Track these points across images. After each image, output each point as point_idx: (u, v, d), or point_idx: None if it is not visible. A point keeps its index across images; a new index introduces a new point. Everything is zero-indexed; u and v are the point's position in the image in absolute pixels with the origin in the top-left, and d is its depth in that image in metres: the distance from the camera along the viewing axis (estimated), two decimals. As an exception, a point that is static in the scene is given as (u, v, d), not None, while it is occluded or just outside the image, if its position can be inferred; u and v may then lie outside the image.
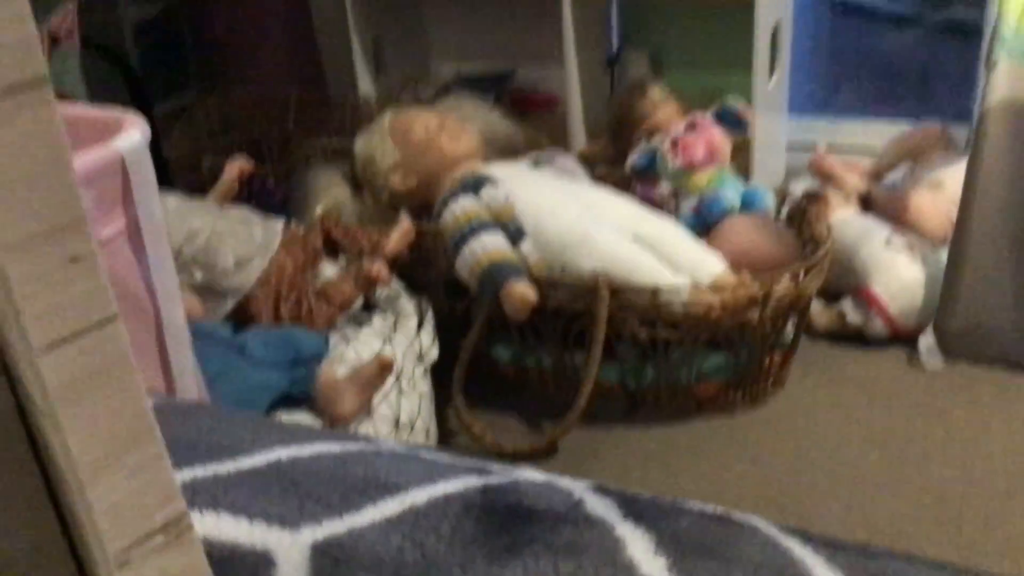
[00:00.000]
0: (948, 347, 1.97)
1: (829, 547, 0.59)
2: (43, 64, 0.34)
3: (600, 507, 0.60)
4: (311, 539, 0.58)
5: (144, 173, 1.20)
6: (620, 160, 2.33)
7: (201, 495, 0.61)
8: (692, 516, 0.60)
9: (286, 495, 0.61)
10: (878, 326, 2.03)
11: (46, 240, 0.34)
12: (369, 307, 1.87)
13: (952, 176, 2.18)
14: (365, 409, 1.62)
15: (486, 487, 0.62)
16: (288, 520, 0.59)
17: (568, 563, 0.55)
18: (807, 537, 0.61)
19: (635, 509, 0.61)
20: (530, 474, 0.67)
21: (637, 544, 0.57)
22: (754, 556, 0.57)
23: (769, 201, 2.05)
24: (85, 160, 1.13)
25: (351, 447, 0.68)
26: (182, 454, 0.64)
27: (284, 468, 0.64)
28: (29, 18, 0.35)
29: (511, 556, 0.56)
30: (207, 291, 1.75)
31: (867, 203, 2.28)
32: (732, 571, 0.55)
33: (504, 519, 0.59)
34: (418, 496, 0.61)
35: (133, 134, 1.19)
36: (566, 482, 0.65)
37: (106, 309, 0.37)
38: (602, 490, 0.64)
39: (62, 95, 2.35)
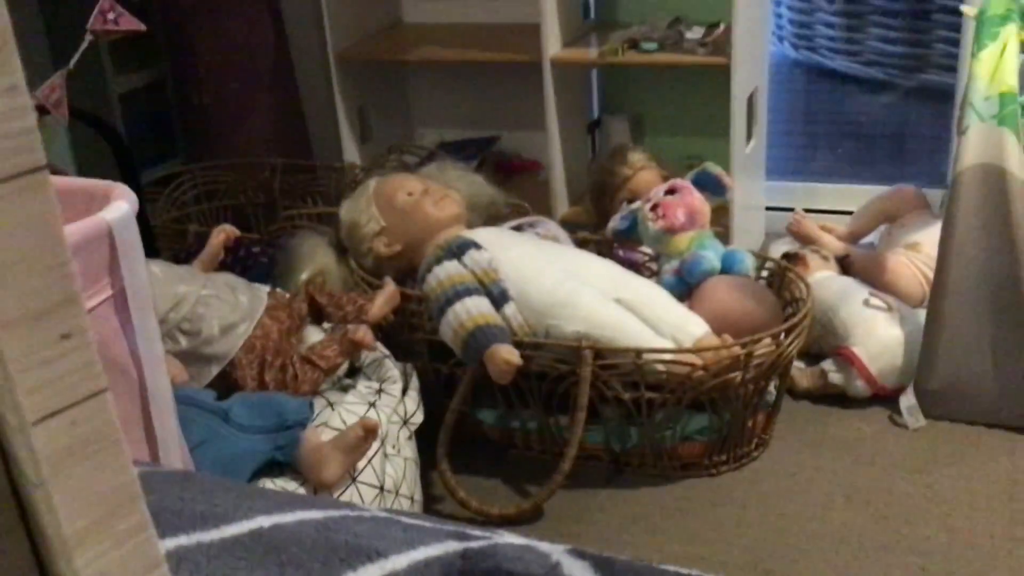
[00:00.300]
0: (929, 406, 1.99)
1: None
2: (42, 153, 0.36)
3: (577, 570, 0.61)
4: (293, 607, 0.58)
5: (131, 242, 1.21)
6: (602, 224, 2.36)
7: (185, 563, 0.61)
8: (668, 579, 0.61)
9: (268, 563, 0.61)
10: (859, 386, 2.05)
11: (40, 318, 0.36)
12: (354, 372, 1.88)
13: (928, 238, 2.22)
14: (349, 474, 1.61)
15: (466, 552, 0.63)
16: (270, 589, 0.59)
17: (546, 626, 0.56)
18: None
19: (612, 572, 0.61)
20: (509, 538, 0.67)
21: (614, 607, 0.58)
22: (729, 619, 0.58)
23: (749, 263, 2.08)
24: (73, 231, 1.14)
25: (333, 514, 0.68)
26: (167, 522, 0.65)
27: (267, 535, 0.64)
28: (30, 110, 0.37)
29: (490, 620, 0.57)
30: (192, 357, 1.75)
31: (845, 265, 2.31)
32: (707, 635, 0.56)
33: (483, 584, 0.59)
34: (398, 562, 0.61)
35: (121, 205, 1.21)
36: (544, 546, 0.65)
37: (96, 382, 0.38)
38: (579, 553, 0.64)
39: (50, 165, 2.38)
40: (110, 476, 0.39)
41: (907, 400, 2.01)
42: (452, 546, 0.63)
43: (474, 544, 0.64)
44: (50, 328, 0.36)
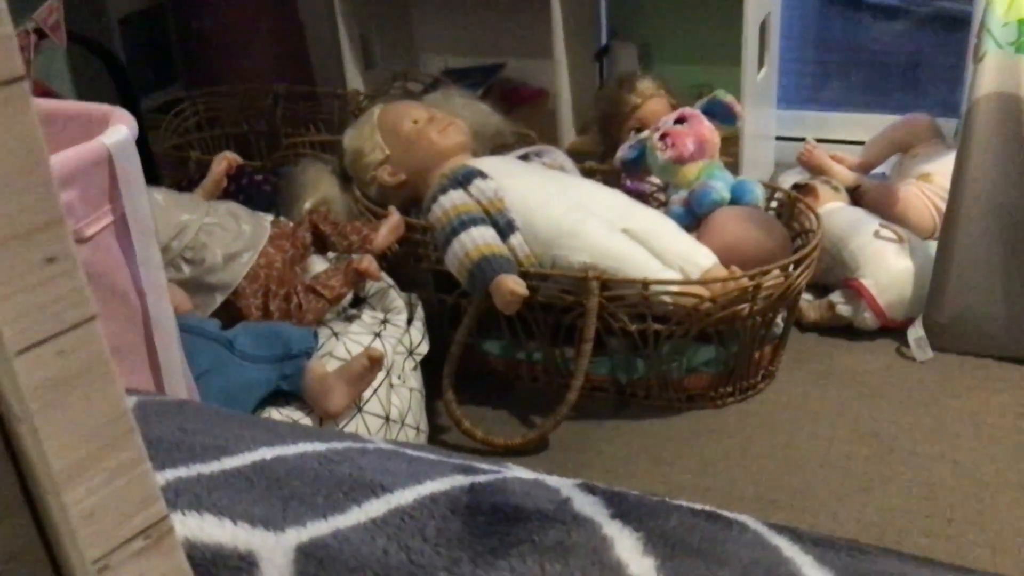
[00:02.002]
0: (937, 339, 1.98)
1: (819, 545, 0.59)
2: (20, 62, 0.34)
3: (587, 505, 0.60)
4: (295, 541, 0.57)
5: (131, 167, 1.19)
6: (609, 153, 2.33)
7: (184, 496, 0.60)
8: (680, 514, 0.60)
9: (270, 496, 0.60)
10: (868, 318, 2.03)
11: (22, 240, 0.34)
12: (359, 302, 1.87)
13: (940, 169, 2.19)
14: (355, 404, 1.61)
15: (473, 486, 0.62)
16: (272, 522, 0.58)
17: (555, 564, 0.54)
18: (797, 535, 0.60)
19: (623, 508, 0.60)
20: (517, 472, 0.66)
21: (625, 543, 0.57)
22: (743, 555, 0.56)
23: (759, 193, 2.05)
24: (71, 155, 1.12)
25: (337, 446, 0.67)
26: (166, 454, 0.64)
27: (269, 468, 0.63)
28: (6, 17, 0.34)
29: (497, 557, 0.55)
30: (195, 287, 1.74)
31: (856, 196, 2.28)
32: (721, 571, 0.55)
33: (490, 519, 0.58)
34: (404, 496, 0.60)
35: (120, 129, 1.18)
36: (553, 480, 0.64)
37: (84, 310, 0.37)
38: (589, 488, 0.63)
39: (48, 91, 2.34)
40: (101, 408, 0.37)
41: (915, 332, 1.99)
42: (459, 480, 0.62)
43: (481, 478, 0.63)
44: (33, 251, 0.34)
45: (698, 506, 0.63)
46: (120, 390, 0.38)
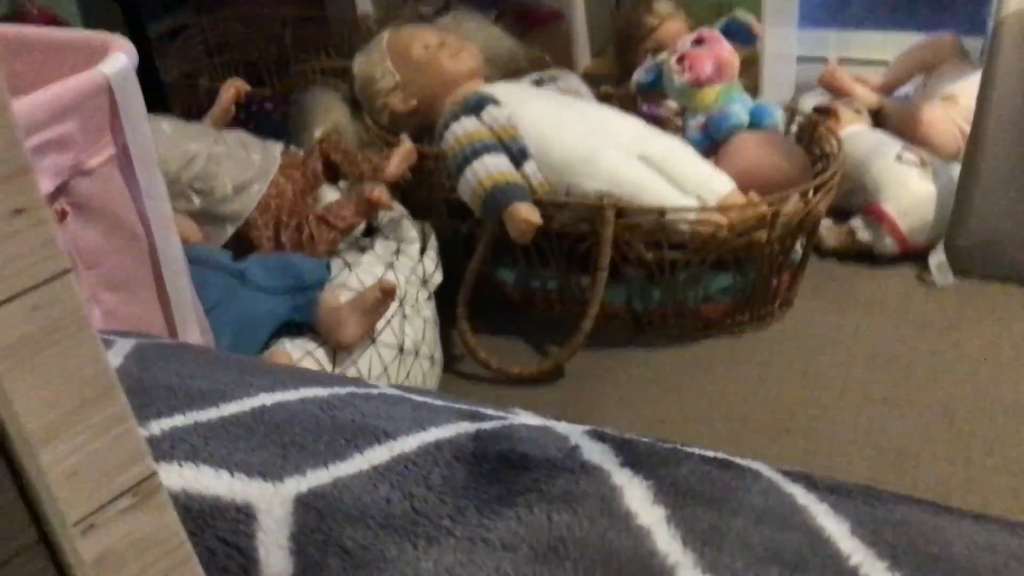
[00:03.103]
0: (959, 264, 1.94)
1: (834, 492, 0.57)
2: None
3: (596, 454, 0.58)
4: (295, 491, 0.56)
5: (132, 97, 1.17)
6: (625, 77, 2.28)
7: (181, 446, 0.59)
8: (692, 462, 0.58)
9: (269, 444, 0.59)
10: (888, 244, 2.00)
11: (-14, 191, 0.32)
12: (371, 232, 1.85)
13: (965, 89, 2.13)
14: (368, 335, 1.60)
15: (479, 433, 0.60)
16: (271, 471, 0.57)
17: (563, 514, 0.53)
18: (811, 482, 0.59)
19: (633, 455, 0.59)
20: (525, 418, 0.64)
21: (635, 493, 0.55)
22: (756, 504, 0.55)
23: (778, 117, 2.01)
24: (69, 85, 1.10)
25: (339, 391, 0.66)
26: (163, 402, 0.62)
27: (268, 414, 0.61)
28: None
29: (503, 506, 0.54)
30: (205, 217, 1.73)
31: (879, 118, 2.23)
32: (733, 521, 0.53)
33: (497, 467, 0.57)
34: (407, 444, 0.59)
35: (119, 57, 1.15)
36: (562, 426, 0.63)
37: (56, 263, 0.35)
38: (599, 435, 0.62)
39: (54, 18, 2.30)
40: (79, 365, 0.36)
41: (936, 257, 1.96)
42: (464, 427, 0.61)
43: (487, 425, 0.61)
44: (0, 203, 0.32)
45: (710, 453, 0.61)
46: (98, 345, 0.37)
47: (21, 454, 0.35)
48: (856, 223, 2.04)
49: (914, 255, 2.01)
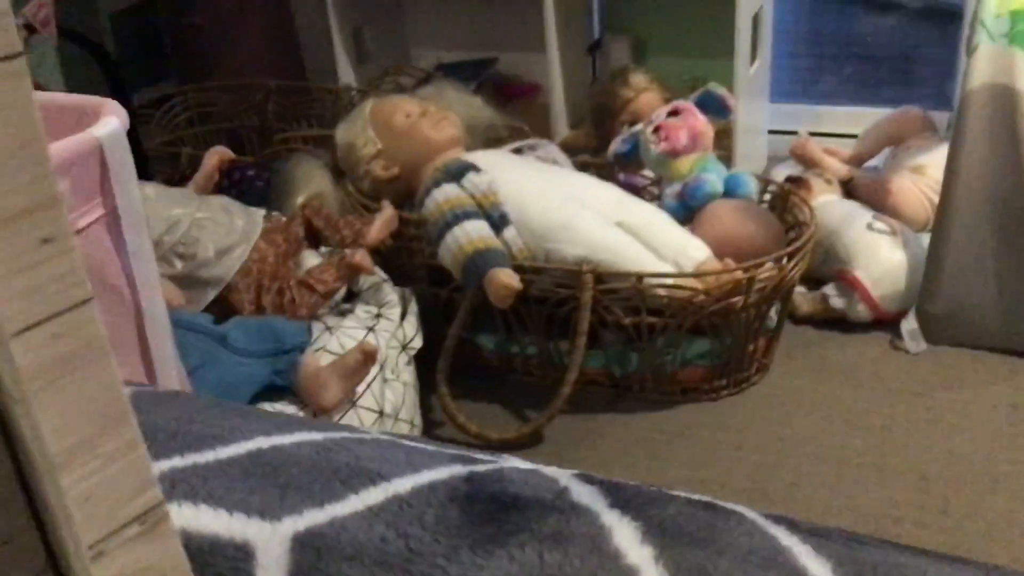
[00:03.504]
0: (930, 331, 1.98)
1: (815, 535, 0.58)
2: (17, 39, 0.33)
3: (585, 495, 0.59)
4: (292, 530, 0.56)
5: (122, 160, 1.18)
6: (603, 147, 2.32)
7: (180, 486, 0.60)
8: (678, 504, 0.59)
9: (267, 485, 0.60)
10: (861, 310, 2.03)
11: (17, 220, 0.33)
12: (352, 297, 1.86)
13: (933, 161, 2.19)
14: (349, 398, 1.60)
15: (471, 475, 0.61)
16: (268, 511, 0.57)
17: (554, 553, 0.54)
18: (793, 525, 0.60)
19: (621, 497, 0.60)
20: (515, 462, 0.66)
21: (623, 533, 0.56)
22: (741, 544, 0.56)
23: (752, 186, 2.05)
24: (62, 147, 1.11)
25: (334, 435, 0.67)
26: (161, 444, 0.63)
27: (265, 457, 0.62)
28: (4, -1, 0.34)
29: (496, 546, 0.55)
30: (188, 281, 1.73)
31: (849, 188, 2.28)
32: (720, 560, 0.54)
33: (489, 508, 0.58)
34: (402, 485, 0.59)
35: (111, 120, 1.17)
36: (551, 470, 0.64)
37: (80, 291, 0.36)
38: (587, 478, 0.63)
39: (39, 86, 2.32)
40: (97, 391, 0.37)
41: (909, 324, 1.99)
42: (457, 469, 0.62)
43: (479, 468, 0.63)
44: (29, 232, 0.34)
45: (695, 496, 0.63)
46: (116, 373, 0.38)
47: (42, 477, 0.36)
48: (829, 290, 2.07)
49: (887, 322, 2.04)
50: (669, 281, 1.77)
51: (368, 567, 0.53)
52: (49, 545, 0.37)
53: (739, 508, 0.61)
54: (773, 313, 1.93)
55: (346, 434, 0.68)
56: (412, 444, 0.68)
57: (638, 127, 2.13)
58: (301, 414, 1.56)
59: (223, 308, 1.73)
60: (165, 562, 0.40)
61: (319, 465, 0.62)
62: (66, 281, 0.35)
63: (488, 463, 0.64)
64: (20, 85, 0.33)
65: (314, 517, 0.58)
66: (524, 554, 0.55)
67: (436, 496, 0.59)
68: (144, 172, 2.24)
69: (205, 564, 0.55)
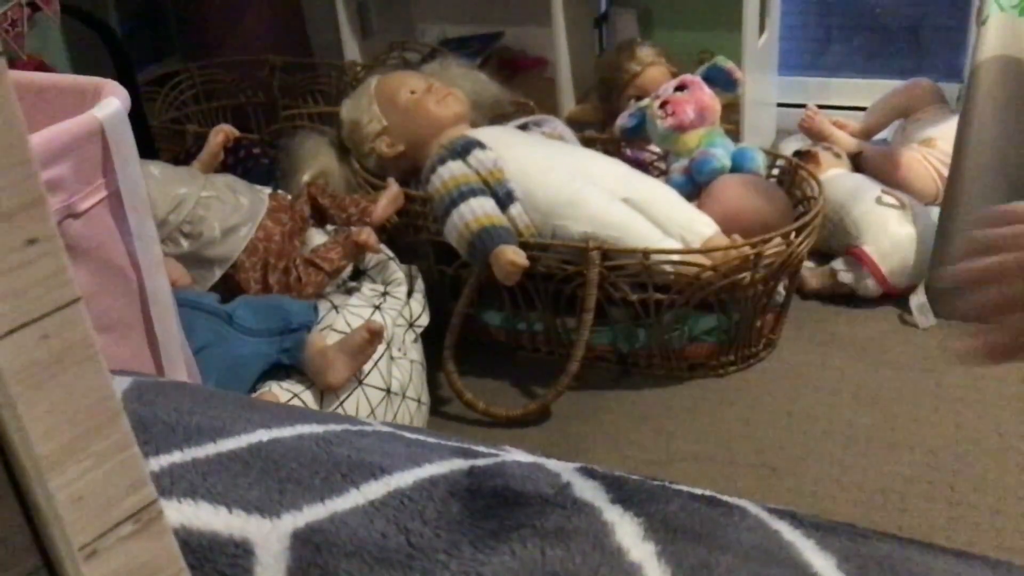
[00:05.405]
0: (939, 305, 1.97)
1: (819, 530, 0.58)
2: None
3: (588, 490, 0.59)
4: (291, 526, 0.56)
5: (124, 141, 1.18)
6: (609, 121, 2.31)
7: (179, 482, 0.60)
8: (681, 499, 0.59)
9: (266, 479, 0.59)
10: (870, 285, 2.02)
11: (2, 222, 0.33)
12: (358, 275, 1.86)
13: (943, 133, 2.17)
14: (355, 377, 1.61)
15: (472, 469, 0.61)
16: (268, 507, 0.57)
17: (556, 549, 0.54)
18: (797, 520, 0.60)
19: (623, 492, 0.60)
20: (516, 455, 0.65)
21: (626, 529, 0.56)
22: (744, 540, 0.56)
23: (760, 161, 2.03)
24: (63, 129, 1.11)
25: (335, 428, 0.66)
26: (162, 438, 0.63)
27: (265, 450, 0.62)
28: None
29: (498, 541, 0.55)
30: (193, 261, 1.73)
31: (858, 162, 2.26)
32: (722, 556, 0.54)
33: (490, 503, 0.57)
34: (403, 479, 0.59)
35: (112, 101, 1.17)
36: (553, 464, 0.64)
37: (67, 292, 0.36)
38: (589, 472, 0.63)
39: (43, 65, 2.32)
40: (86, 392, 0.37)
41: (917, 299, 1.98)
42: (458, 463, 0.62)
43: (480, 462, 0.62)
44: (14, 233, 0.33)
45: (698, 491, 0.62)
46: (105, 373, 0.38)
47: (31, 479, 0.36)
48: (838, 265, 2.06)
49: (895, 297, 2.03)
50: (676, 257, 1.76)
51: (368, 563, 0.53)
52: (42, 545, 0.37)
53: (742, 503, 0.61)
54: (781, 288, 1.92)
55: (347, 426, 0.67)
56: (413, 436, 0.68)
57: (645, 101, 2.12)
58: (308, 393, 1.56)
59: (229, 287, 1.73)
60: (159, 559, 0.40)
61: (319, 458, 0.62)
62: (52, 282, 0.35)
63: (489, 456, 0.64)
64: (0, 83, 0.32)
65: (314, 512, 0.57)
66: (526, 550, 0.54)
67: (437, 490, 0.59)
68: (149, 150, 2.24)
69: (205, 561, 0.55)
